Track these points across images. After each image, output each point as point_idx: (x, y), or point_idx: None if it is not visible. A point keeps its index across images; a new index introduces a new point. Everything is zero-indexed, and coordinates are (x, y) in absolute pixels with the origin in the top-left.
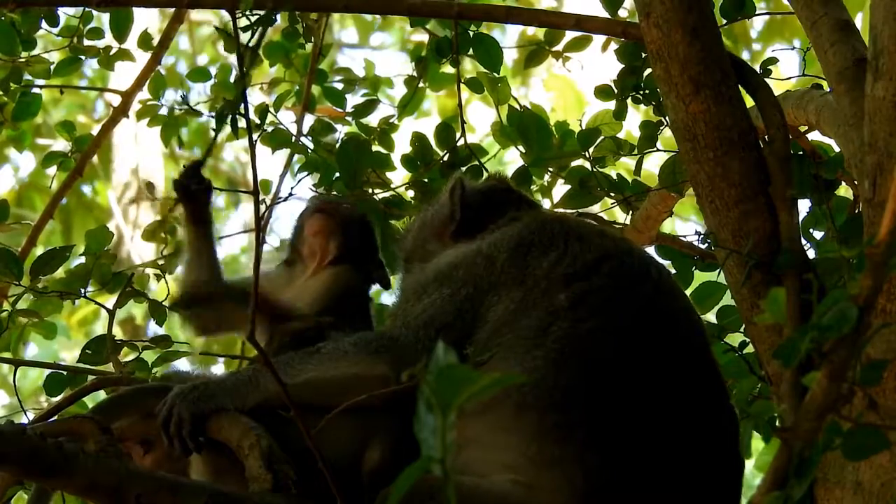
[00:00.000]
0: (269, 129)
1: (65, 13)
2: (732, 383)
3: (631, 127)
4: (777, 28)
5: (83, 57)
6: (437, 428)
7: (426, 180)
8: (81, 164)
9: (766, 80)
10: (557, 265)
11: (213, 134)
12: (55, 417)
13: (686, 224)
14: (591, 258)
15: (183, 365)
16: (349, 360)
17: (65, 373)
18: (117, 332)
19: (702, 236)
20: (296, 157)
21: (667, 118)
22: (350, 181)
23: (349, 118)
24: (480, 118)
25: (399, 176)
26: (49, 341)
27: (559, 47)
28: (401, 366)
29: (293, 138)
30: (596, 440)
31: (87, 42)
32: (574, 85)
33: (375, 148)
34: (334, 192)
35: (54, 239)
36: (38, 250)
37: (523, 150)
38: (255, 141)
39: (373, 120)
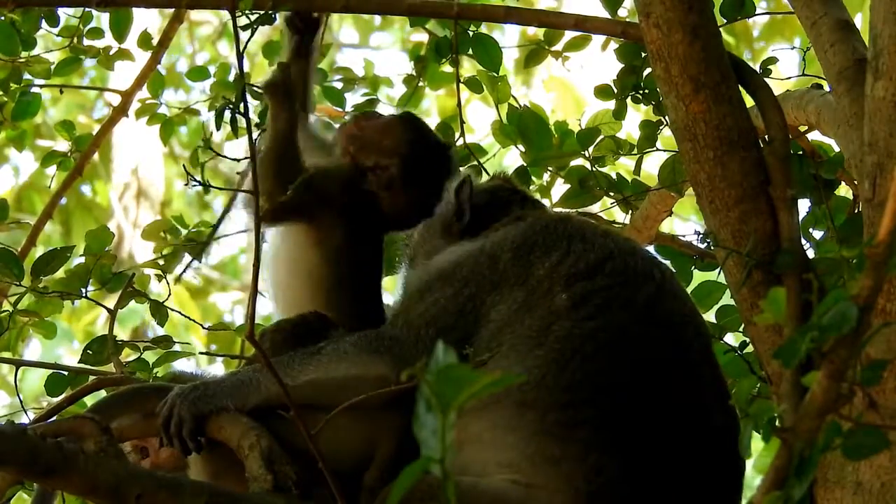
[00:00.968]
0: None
1: (65, 13)
2: (732, 383)
3: (631, 127)
4: (777, 27)
5: (83, 57)
6: (437, 428)
7: None
8: (81, 164)
9: (766, 79)
10: (560, 265)
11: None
12: (55, 417)
13: (686, 224)
14: (593, 258)
15: (182, 365)
16: (350, 360)
17: (66, 373)
18: (122, 334)
19: (701, 236)
20: None
21: (667, 118)
22: None
23: (349, 118)
24: (480, 118)
25: None
26: (54, 345)
27: (559, 47)
28: (402, 366)
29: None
30: (596, 440)
31: (87, 42)
32: (573, 88)
33: None
34: None
35: (54, 239)
36: (38, 250)
37: (523, 150)
38: (255, 140)
39: None
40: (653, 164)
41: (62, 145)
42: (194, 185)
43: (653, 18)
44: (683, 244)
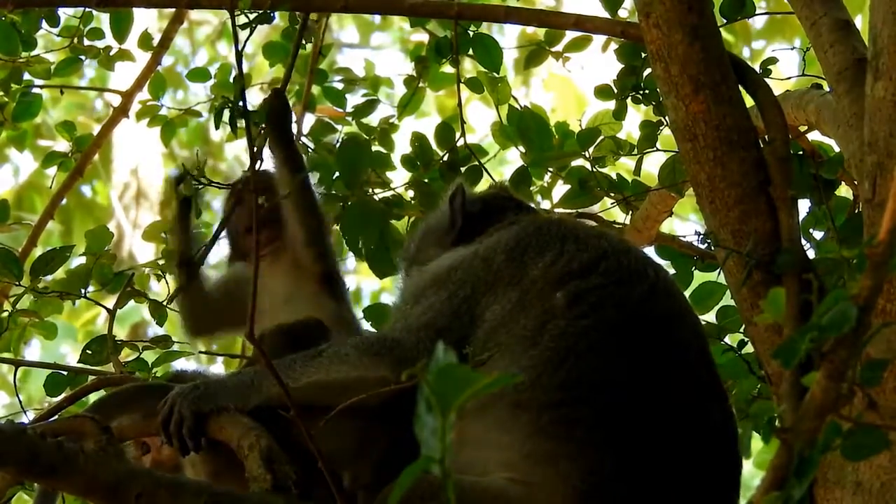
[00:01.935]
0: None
1: (65, 13)
2: (732, 383)
3: (631, 127)
4: (777, 27)
5: (83, 57)
6: (437, 428)
7: (426, 180)
8: (81, 165)
9: (766, 79)
10: (553, 265)
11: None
12: (55, 417)
13: (686, 224)
14: (587, 258)
15: (183, 364)
16: (351, 362)
17: (65, 373)
18: (122, 331)
19: (701, 236)
20: None
21: (667, 118)
22: (350, 181)
23: (349, 118)
24: (480, 118)
25: (399, 176)
26: (55, 346)
27: (559, 47)
28: (402, 368)
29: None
30: (592, 438)
31: (87, 42)
32: (574, 86)
33: (375, 148)
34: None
35: (54, 239)
36: (38, 251)
37: (523, 150)
38: (255, 140)
39: (373, 120)
40: (653, 165)
41: (62, 145)
42: (195, 186)
43: (653, 18)
44: (684, 245)
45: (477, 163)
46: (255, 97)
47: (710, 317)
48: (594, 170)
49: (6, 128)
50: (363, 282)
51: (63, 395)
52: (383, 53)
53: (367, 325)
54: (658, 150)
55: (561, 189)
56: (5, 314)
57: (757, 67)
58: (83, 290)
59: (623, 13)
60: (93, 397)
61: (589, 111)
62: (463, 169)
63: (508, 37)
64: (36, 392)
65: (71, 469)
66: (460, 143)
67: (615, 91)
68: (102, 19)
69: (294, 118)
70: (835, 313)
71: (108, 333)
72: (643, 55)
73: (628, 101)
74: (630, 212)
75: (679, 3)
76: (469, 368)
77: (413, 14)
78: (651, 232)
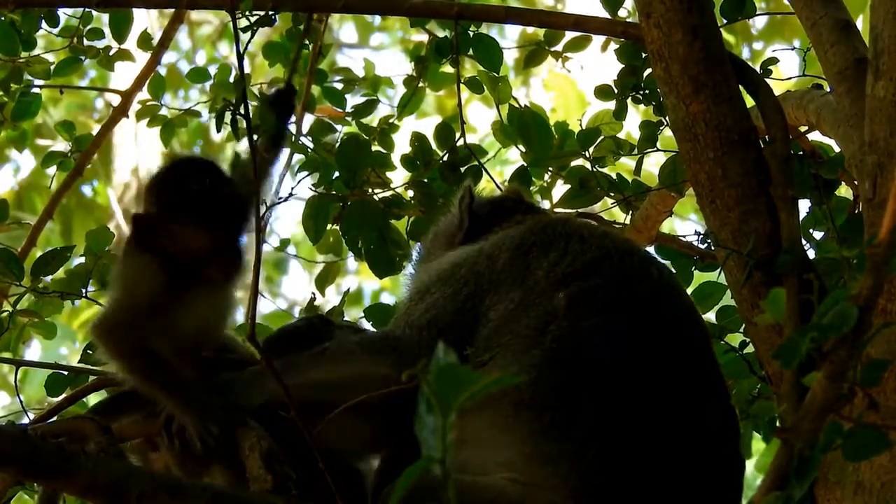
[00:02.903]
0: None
1: (65, 13)
2: (732, 383)
3: (631, 127)
4: (777, 28)
5: (83, 57)
6: (437, 428)
7: (426, 180)
8: (81, 164)
9: (766, 80)
10: (557, 265)
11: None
12: (55, 418)
13: (686, 224)
14: (590, 258)
15: None
16: (355, 360)
17: (66, 373)
18: None
19: (701, 236)
20: (295, 156)
21: (667, 118)
22: (350, 181)
23: (349, 118)
24: (480, 118)
25: (399, 176)
26: (56, 347)
27: (559, 47)
28: (405, 365)
29: (293, 138)
30: (593, 438)
31: (87, 42)
32: (575, 84)
33: (375, 148)
34: (333, 192)
35: (54, 240)
36: (38, 251)
37: (523, 150)
38: (256, 141)
39: (373, 120)
40: (653, 165)
41: (62, 145)
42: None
43: (653, 18)
44: (684, 245)
45: (477, 162)
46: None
47: (710, 317)
48: (594, 170)
49: (6, 127)
50: (363, 282)
51: (63, 396)
52: (383, 53)
53: (367, 325)
54: (658, 150)
55: (561, 189)
56: (5, 314)
57: (757, 68)
58: (83, 290)
59: (623, 13)
60: (93, 398)
61: (589, 111)
62: (463, 169)
63: (508, 37)
64: (35, 392)
65: (71, 470)
66: (460, 143)
67: (615, 91)
68: (102, 19)
69: (293, 118)
70: (835, 313)
71: None
72: (643, 55)
73: (628, 101)
74: (630, 212)
75: (679, 3)
76: (469, 368)
77: (413, 14)
78: (651, 232)
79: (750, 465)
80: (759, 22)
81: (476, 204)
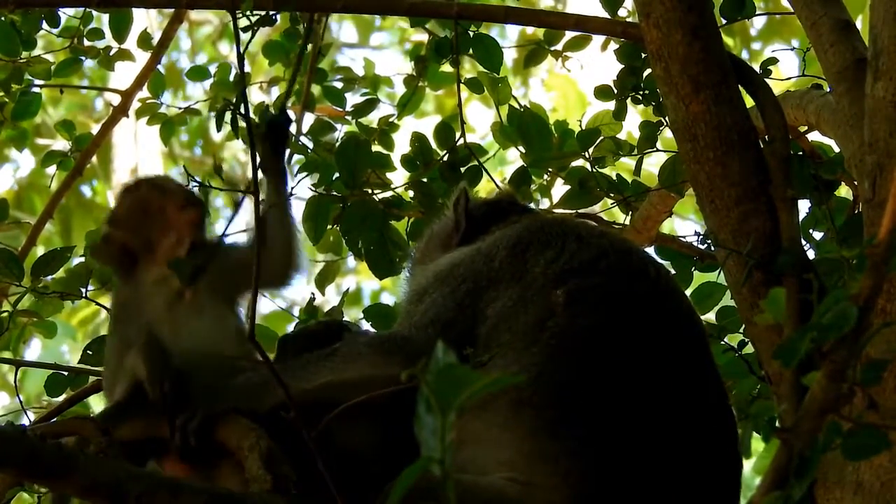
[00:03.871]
0: None
1: (65, 13)
2: (732, 383)
3: (631, 127)
4: (776, 28)
5: (83, 57)
6: (437, 428)
7: (426, 180)
8: (81, 164)
9: (766, 80)
10: (554, 263)
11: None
12: (56, 419)
13: (686, 223)
14: (588, 256)
15: None
16: (363, 360)
17: (66, 374)
18: None
19: (701, 236)
20: (295, 156)
21: (667, 118)
22: (350, 181)
23: (349, 118)
24: (480, 118)
25: (399, 176)
26: (56, 345)
27: (558, 46)
28: (413, 365)
29: (293, 138)
30: (592, 437)
31: (87, 42)
32: (576, 84)
33: (375, 148)
34: (333, 192)
35: (54, 239)
36: (38, 250)
37: (523, 151)
38: (256, 142)
39: (373, 120)
40: (653, 165)
41: (62, 145)
42: (194, 186)
43: (653, 18)
44: (684, 245)
45: (477, 162)
46: (255, 96)
47: (710, 317)
48: (594, 170)
49: (6, 127)
50: (363, 282)
51: (63, 396)
52: (383, 53)
53: (367, 326)
54: (658, 150)
55: (561, 189)
56: (5, 314)
57: (757, 68)
58: (83, 290)
59: (623, 13)
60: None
61: (589, 111)
62: (463, 169)
63: (508, 37)
64: (34, 390)
65: (71, 470)
66: (460, 142)
67: (615, 91)
68: (102, 19)
69: (294, 119)
70: (835, 313)
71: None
72: (643, 55)
73: (628, 101)
74: (630, 212)
75: (679, 3)
76: (469, 368)
77: (413, 14)
78: (651, 232)
79: (749, 465)
80: (758, 22)
81: (472, 206)
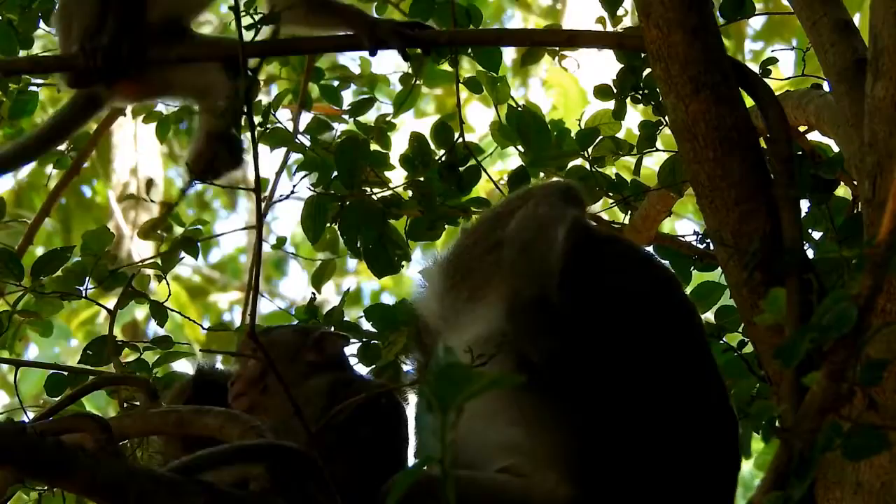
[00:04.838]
0: (268, 127)
1: None
2: (732, 383)
3: (631, 127)
4: (775, 28)
5: None
6: (437, 428)
7: (424, 179)
8: (78, 163)
9: (766, 80)
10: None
11: None
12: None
13: (686, 223)
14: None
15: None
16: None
17: (65, 373)
18: (116, 333)
19: (700, 236)
20: (292, 155)
21: (666, 118)
22: (348, 180)
23: (346, 116)
24: (479, 118)
25: (398, 176)
26: (54, 346)
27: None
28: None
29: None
30: (593, 433)
31: None
32: (577, 81)
33: (373, 147)
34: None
35: (54, 239)
36: (37, 249)
37: (522, 150)
38: (257, 139)
39: (370, 118)
40: (653, 164)
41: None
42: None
43: (653, 18)
44: (683, 244)
45: (476, 162)
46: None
47: (709, 316)
48: (593, 170)
49: (3, 126)
50: (363, 282)
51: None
52: (381, 52)
53: (367, 326)
54: (658, 150)
55: None
56: (4, 314)
57: (756, 68)
58: (83, 290)
59: (621, 12)
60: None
61: (588, 110)
62: (462, 169)
63: None
64: (31, 389)
65: (70, 468)
66: (459, 142)
67: (615, 91)
68: None
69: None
70: (835, 313)
71: (108, 334)
72: (643, 55)
73: (628, 100)
74: (629, 211)
75: (679, 3)
76: (468, 368)
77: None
78: (651, 232)
79: (749, 465)
80: (756, 23)
81: None
